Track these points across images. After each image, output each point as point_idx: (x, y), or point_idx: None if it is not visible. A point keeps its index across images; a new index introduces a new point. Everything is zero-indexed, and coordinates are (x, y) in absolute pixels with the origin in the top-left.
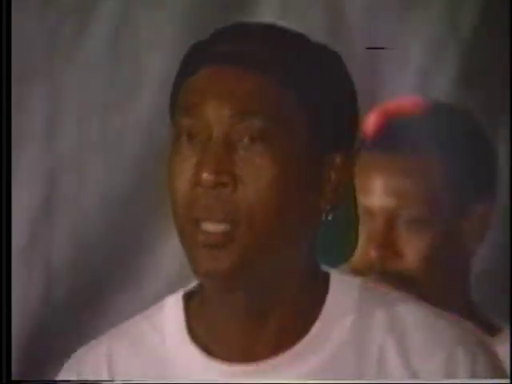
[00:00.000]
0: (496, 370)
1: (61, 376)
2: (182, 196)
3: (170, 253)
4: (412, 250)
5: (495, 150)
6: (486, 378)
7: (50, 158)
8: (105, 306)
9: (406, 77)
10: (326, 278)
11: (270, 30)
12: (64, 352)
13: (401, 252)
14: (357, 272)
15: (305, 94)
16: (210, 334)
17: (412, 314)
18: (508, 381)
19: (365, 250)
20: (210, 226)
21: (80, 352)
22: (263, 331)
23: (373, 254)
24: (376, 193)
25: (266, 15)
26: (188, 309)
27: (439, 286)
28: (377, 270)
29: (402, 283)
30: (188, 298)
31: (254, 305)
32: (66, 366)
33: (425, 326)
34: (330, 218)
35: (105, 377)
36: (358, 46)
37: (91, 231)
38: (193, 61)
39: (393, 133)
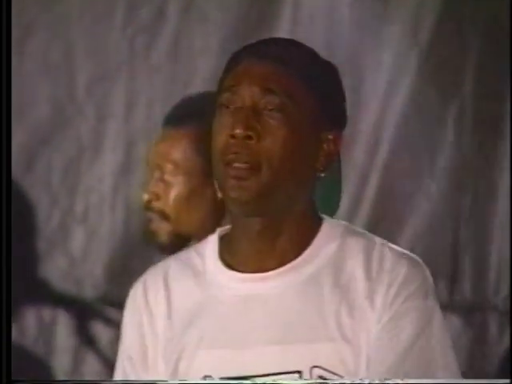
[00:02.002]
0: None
1: (133, 287)
2: (219, 146)
3: None
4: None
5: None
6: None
7: (128, 131)
8: None
9: (379, 77)
10: (320, 219)
11: (291, 42)
12: (140, 272)
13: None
14: None
15: (313, 85)
16: (233, 255)
17: (379, 246)
18: (508, 381)
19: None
20: (238, 165)
21: (148, 271)
22: (270, 251)
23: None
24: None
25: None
26: (221, 242)
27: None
28: None
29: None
30: (222, 236)
31: (266, 230)
32: (137, 281)
33: (390, 259)
34: (322, 175)
35: (161, 288)
36: (344, 54)
37: None
38: (237, 57)
39: None
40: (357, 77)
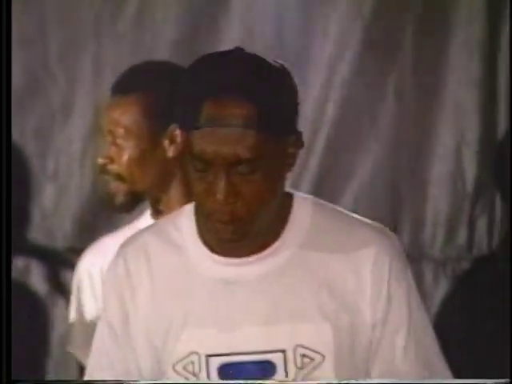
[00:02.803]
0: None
1: (113, 260)
2: (204, 207)
3: None
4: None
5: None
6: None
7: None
8: None
9: (327, 43)
10: (289, 196)
11: (238, 60)
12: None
13: None
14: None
15: (272, 123)
16: (211, 237)
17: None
18: (508, 380)
19: None
20: (221, 226)
21: (125, 242)
22: (247, 239)
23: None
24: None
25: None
26: (196, 215)
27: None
28: None
29: None
30: (198, 211)
31: (240, 235)
32: (116, 253)
33: (364, 234)
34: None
35: (143, 262)
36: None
37: None
38: (192, 112)
39: None
40: (306, 43)
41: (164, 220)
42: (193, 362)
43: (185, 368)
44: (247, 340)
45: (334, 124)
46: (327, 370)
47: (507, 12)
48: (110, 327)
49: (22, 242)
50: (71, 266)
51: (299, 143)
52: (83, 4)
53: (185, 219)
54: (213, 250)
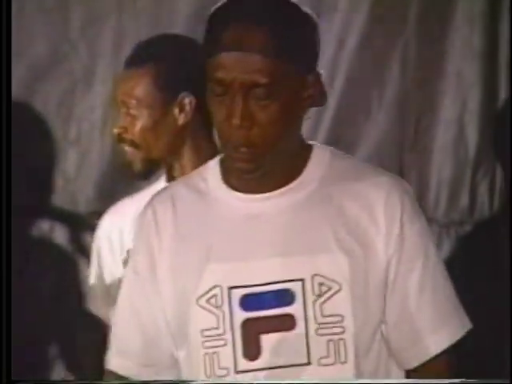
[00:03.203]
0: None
1: (143, 210)
2: (222, 132)
3: None
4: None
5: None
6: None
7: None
8: None
9: (335, 17)
10: (309, 146)
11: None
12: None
13: None
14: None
15: (290, 55)
16: (235, 179)
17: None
18: (508, 381)
19: None
20: (240, 152)
21: (155, 194)
22: (268, 179)
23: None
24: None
25: None
26: (221, 165)
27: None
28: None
29: None
30: (222, 160)
31: (262, 171)
32: (146, 203)
33: (378, 177)
34: (308, 118)
35: (169, 208)
36: None
37: None
38: (215, 41)
39: None
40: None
41: (192, 173)
42: (215, 295)
43: (208, 301)
44: (267, 271)
45: (342, 96)
46: (343, 299)
47: None
48: (136, 274)
49: (46, 206)
50: (93, 229)
51: (318, 85)
52: None
53: (210, 170)
54: (236, 190)
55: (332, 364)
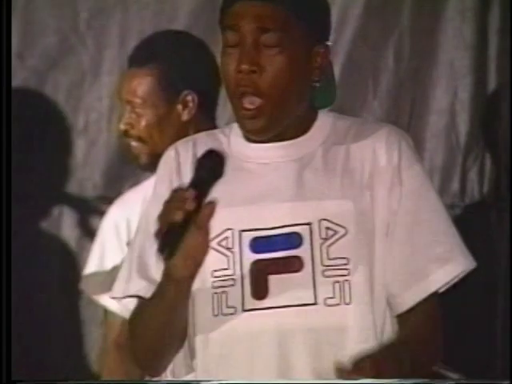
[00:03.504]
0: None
1: (167, 151)
2: (230, 80)
3: None
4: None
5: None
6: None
7: (122, 58)
8: None
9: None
10: (315, 111)
11: None
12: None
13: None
14: None
15: (301, 13)
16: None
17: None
18: (508, 381)
19: None
20: (248, 100)
21: (179, 142)
22: (278, 136)
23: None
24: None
25: None
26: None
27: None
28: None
29: None
30: None
31: (264, 123)
32: (170, 147)
33: (378, 129)
34: (318, 85)
35: (190, 151)
36: None
37: None
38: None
39: None
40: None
41: (215, 131)
42: (227, 238)
43: (219, 243)
44: (277, 215)
45: (339, 84)
46: (349, 243)
47: None
48: (158, 202)
49: (55, 192)
50: (100, 213)
51: (326, 58)
52: None
53: (232, 126)
54: (252, 141)
55: (337, 304)
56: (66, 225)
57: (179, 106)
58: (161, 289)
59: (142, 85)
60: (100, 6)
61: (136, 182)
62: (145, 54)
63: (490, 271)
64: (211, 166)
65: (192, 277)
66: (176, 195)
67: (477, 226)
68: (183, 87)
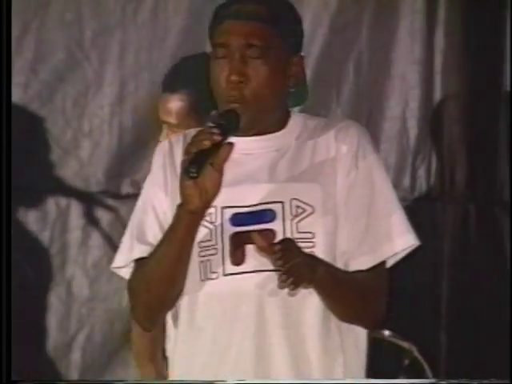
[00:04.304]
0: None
1: (161, 144)
2: (220, 88)
3: None
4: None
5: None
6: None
7: (121, 72)
8: None
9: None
10: (289, 112)
11: None
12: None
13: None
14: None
15: (280, 29)
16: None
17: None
18: (508, 381)
19: None
20: (234, 105)
21: (171, 137)
22: (258, 131)
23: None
24: None
25: None
26: None
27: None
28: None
29: None
30: None
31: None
32: (163, 142)
33: (342, 127)
34: (292, 90)
35: (181, 141)
36: None
37: None
38: (220, 16)
39: None
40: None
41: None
42: (211, 214)
43: (204, 219)
44: (254, 195)
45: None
46: (315, 220)
47: (442, 3)
48: (153, 185)
49: (63, 186)
50: (102, 205)
51: (300, 67)
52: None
53: None
54: (237, 136)
55: None
56: (73, 215)
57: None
58: (171, 229)
59: (175, 108)
60: (102, 26)
61: (134, 179)
62: (175, 81)
63: (434, 251)
64: (229, 118)
65: (203, 209)
66: (204, 130)
67: (424, 215)
68: (212, 108)
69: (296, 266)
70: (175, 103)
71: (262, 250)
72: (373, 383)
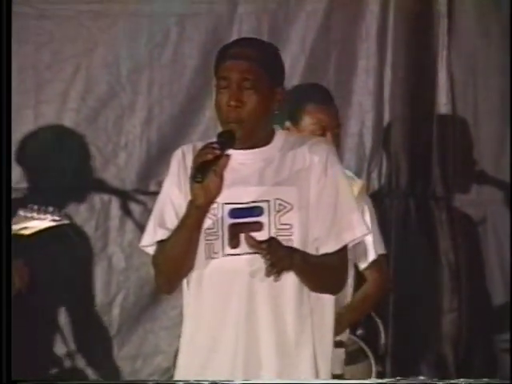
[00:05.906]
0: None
1: (175, 152)
2: (221, 112)
3: None
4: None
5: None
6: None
7: (150, 100)
8: None
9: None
10: (273, 130)
11: (254, 40)
12: (157, 175)
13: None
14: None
15: (268, 68)
16: None
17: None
18: (508, 381)
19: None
20: (232, 125)
21: (183, 146)
22: (249, 145)
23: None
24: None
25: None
26: None
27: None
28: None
29: None
30: None
31: (244, 136)
32: (178, 150)
33: (315, 144)
34: (276, 112)
35: (191, 152)
36: None
37: None
38: (224, 56)
39: None
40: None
41: None
42: (214, 208)
43: (210, 212)
44: (247, 195)
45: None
46: (293, 214)
47: (390, 46)
48: (172, 184)
49: (104, 186)
50: (135, 200)
51: (282, 97)
52: (141, 44)
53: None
54: (234, 149)
55: None
56: (113, 207)
57: None
58: (184, 218)
59: None
60: (134, 66)
61: (158, 180)
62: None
63: (384, 239)
64: (227, 136)
65: (207, 206)
66: (208, 145)
67: (376, 208)
68: None
69: (278, 260)
70: None
71: (251, 247)
72: (366, 383)
